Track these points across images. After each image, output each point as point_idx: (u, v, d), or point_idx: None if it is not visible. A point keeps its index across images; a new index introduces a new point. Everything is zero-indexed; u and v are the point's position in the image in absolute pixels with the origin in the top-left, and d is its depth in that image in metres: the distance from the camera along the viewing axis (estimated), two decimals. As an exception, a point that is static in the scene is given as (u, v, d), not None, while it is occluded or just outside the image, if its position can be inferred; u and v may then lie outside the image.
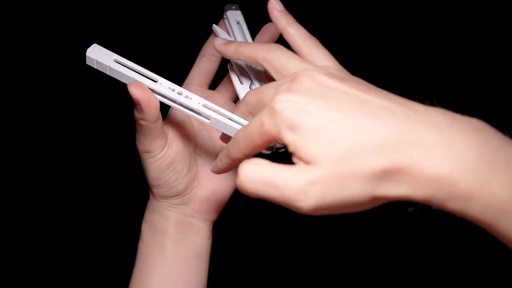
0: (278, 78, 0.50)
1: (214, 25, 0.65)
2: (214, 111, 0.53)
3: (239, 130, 0.47)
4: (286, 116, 0.42)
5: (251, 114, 0.51)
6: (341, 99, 0.42)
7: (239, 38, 0.63)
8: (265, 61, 0.52)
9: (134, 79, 0.53)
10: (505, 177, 0.38)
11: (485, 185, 0.38)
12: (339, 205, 0.41)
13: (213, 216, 0.65)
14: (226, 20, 0.66)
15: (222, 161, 0.51)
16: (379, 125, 0.40)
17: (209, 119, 0.53)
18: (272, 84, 0.48)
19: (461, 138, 0.39)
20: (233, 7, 0.66)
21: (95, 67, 0.54)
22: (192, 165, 0.62)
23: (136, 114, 0.55)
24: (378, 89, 0.44)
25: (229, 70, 0.62)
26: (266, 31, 0.63)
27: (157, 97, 0.54)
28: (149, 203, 0.65)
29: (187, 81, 0.66)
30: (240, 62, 0.61)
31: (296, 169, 0.41)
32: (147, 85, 0.53)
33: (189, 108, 0.53)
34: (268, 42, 0.62)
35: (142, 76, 0.54)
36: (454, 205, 0.39)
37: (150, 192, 0.64)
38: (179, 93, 0.53)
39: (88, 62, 0.54)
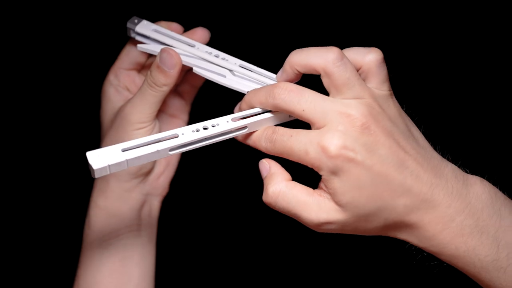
0: (333, 94, 0.48)
1: (138, 45, 0.62)
2: (245, 118, 0.51)
3: (280, 135, 0.49)
4: (336, 163, 0.45)
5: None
6: (385, 157, 0.46)
7: (169, 41, 0.61)
8: (324, 72, 0.47)
9: (158, 150, 0.48)
10: (491, 242, 0.46)
11: (472, 249, 0.46)
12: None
13: (166, 190, 0.67)
14: (138, 36, 0.62)
15: (257, 141, 0.51)
16: (407, 190, 0.46)
17: (246, 128, 0.51)
18: (318, 102, 0.47)
19: (463, 208, 0.46)
20: (136, 21, 0.62)
21: (109, 172, 0.47)
22: None
23: (162, 79, 0.57)
24: (414, 134, 0.49)
25: (200, 74, 0.59)
26: (195, 34, 0.62)
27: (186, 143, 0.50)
28: (103, 187, 0.63)
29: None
30: (200, 61, 0.59)
31: (320, 203, 0.47)
32: (168, 146, 0.49)
33: (223, 134, 0.51)
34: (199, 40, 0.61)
35: (161, 143, 0.49)
36: (444, 258, 0.48)
37: (110, 174, 0.60)
38: (205, 128, 0.50)
39: (97, 175, 0.47)
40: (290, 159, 0.48)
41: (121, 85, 0.64)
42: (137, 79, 0.64)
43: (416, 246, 0.49)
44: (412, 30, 0.88)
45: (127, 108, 0.59)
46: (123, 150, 0.47)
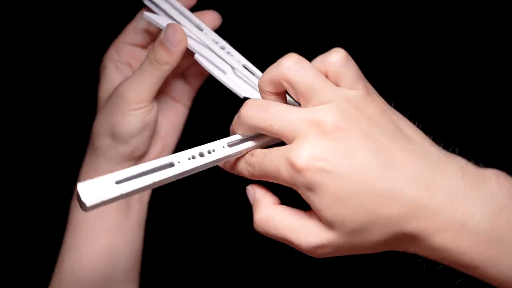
0: (303, 103, 0.44)
1: (145, 13, 0.58)
2: (243, 142, 0.48)
3: (256, 157, 0.46)
4: (306, 177, 0.41)
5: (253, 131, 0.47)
6: (364, 162, 0.40)
7: (174, 14, 0.58)
8: (285, 82, 0.44)
9: (154, 182, 0.46)
10: None
11: (490, 259, 0.39)
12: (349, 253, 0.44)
13: None
14: (147, 1, 0.59)
15: (240, 168, 0.49)
16: (397, 196, 0.39)
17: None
18: (284, 115, 0.43)
19: (475, 211, 0.39)
20: None
21: (101, 206, 0.44)
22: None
23: (164, 57, 0.55)
24: (405, 130, 0.43)
25: (200, 63, 0.56)
26: (205, 16, 0.59)
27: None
28: (93, 166, 0.61)
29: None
30: (204, 49, 0.56)
31: (309, 226, 0.42)
32: (164, 177, 0.46)
33: (219, 160, 0.48)
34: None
35: (157, 173, 0.46)
36: (462, 270, 0.41)
37: (101, 155, 0.60)
38: (201, 154, 0.47)
39: (89, 211, 0.43)
40: (267, 179, 0.45)
41: (122, 61, 0.61)
42: (140, 54, 0.61)
43: (428, 258, 0.42)
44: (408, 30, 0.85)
45: (124, 85, 0.57)
46: (117, 182, 0.44)
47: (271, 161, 0.43)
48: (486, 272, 0.40)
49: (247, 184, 0.48)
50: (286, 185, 0.43)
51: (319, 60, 0.44)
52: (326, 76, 0.44)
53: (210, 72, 0.56)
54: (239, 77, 0.55)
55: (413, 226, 0.39)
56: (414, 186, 0.39)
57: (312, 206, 0.42)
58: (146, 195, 0.64)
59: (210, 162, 0.47)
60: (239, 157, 0.48)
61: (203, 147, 0.47)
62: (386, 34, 0.85)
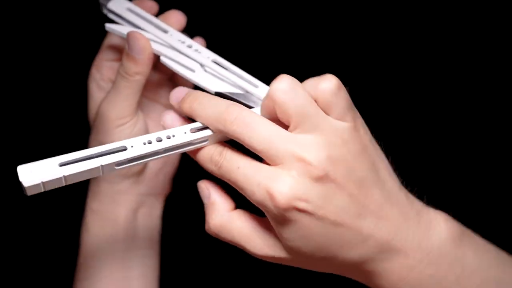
0: (292, 127, 0.43)
1: (107, 24, 0.56)
2: (206, 128, 0.46)
3: (226, 161, 0.44)
4: (283, 214, 0.41)
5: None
6: (341, 207, 0.42)
7: (137, 21, 0.55)
8: (276, 104, 0.43)
9: (102, 165, 0.44)
10: None
11: None
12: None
13: (167, 189, 0.63)
14: (111, 15, 0.56)
15: (205, 161, 0.47)
16: (363, 241, 0.43)
17: (207, 140, 0.46)
18: (270, 137, 0.43)
19: (423, 257, 0.44)
20: None
21: (43, 189, 0.43)
22: None
23: (133, 67, 0.53)
24: (381, 173, 0.44)
25: (166, 65, 0.54)
26: (169, 18, 0.57)
27: None
28: (96, 190, 0.60)
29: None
30: (169, 50, 0.54)
31: (265, 238, 0.45)
32: (113, 161, 0.44)
33: (180, 147, 0.46)
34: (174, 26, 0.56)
35: (105, 157, 0.44)
36: None
37: (101, 178, 0.59)
38: (159, 140, 0.45)
39: (30, 193, 0.42)
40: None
41: (104, 78, 0.60)
42: None
43: None
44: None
45: (103, 105, 0.56)
46: (61, 165, 0.42)
47: (245, 178, 0.43)
48: None
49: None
50: (253, 202, 0.43)
51: (310, 84, 0.43)
52: (316, 102, 0.43)
53: (177, 73, 0.53)
54: (209, 73, 0.53)
55: (369, 265, 0.44)
56: (379, 233, 0.43)
57: (277, 234, 0.43)
58: (158, 209, 0.63)
59: (168, 148, 0.45)
60: (203, 147, 0.46)
61: (163, 132, 0.45)
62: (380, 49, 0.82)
